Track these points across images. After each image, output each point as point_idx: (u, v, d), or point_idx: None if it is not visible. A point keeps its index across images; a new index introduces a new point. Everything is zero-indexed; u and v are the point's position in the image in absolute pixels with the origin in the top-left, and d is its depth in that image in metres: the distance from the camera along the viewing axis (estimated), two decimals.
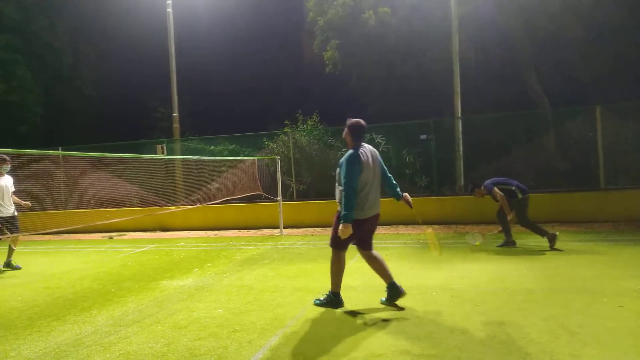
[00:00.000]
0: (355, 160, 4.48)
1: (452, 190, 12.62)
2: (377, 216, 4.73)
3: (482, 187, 7.60)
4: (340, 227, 4.39)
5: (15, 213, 7.78)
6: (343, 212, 4.40)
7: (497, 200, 7.49)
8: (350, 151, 4.58)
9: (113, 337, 4.27)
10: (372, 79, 18.16)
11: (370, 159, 4.61)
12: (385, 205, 12.42)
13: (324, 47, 18.75)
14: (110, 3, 22.11)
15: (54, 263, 8.70)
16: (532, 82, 15.73)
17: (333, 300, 4.83)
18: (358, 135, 4.69)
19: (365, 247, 4.83)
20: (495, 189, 7.39)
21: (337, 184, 4.70)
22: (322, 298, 4.93)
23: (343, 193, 4.41)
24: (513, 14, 14.95)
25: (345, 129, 4.75)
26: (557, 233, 7.32)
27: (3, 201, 7.58)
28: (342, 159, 4.56)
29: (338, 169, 4.65)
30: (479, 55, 16.84)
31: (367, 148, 4.70)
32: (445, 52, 13.78)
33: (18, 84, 19.33)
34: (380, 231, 10.59)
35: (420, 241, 8.94)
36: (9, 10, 19.14)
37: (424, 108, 16.03)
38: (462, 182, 12.41)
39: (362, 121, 4.73)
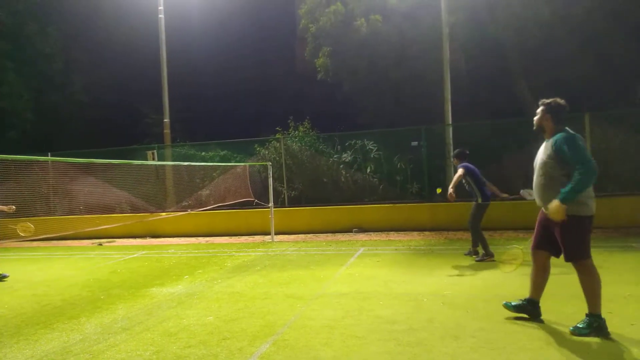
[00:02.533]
0: (579, 139, 3.80)
1: (443, 196, 12.67)
2: None
3: (458, 164, 7.57)
4: (556, 203, 3.71)
5: None
6: (571, 190, 3.66)
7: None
8: (564, 133, 3.87)
9: (102, 345, 4.22)
10: (364, 86, 18.23)
11: None
12: (376, 212, 12.39)
13: (316, 54, 18.81)
14: (102, 9, 22.03)
15: (42, 270, 8.59)
16: (523, 90, 15.88)
17: (594, 324, 3.87)
18: (560, 119, 3.96)
19: (551, 250, 4.13)
20: (461, 170, 7.34)
21: (539, 179, 4.00)
22: (581, 325, 3.94)
23: (582, 170, 3.63)
24: (503, 23, 15.11)
25: (543, 112, 4.03)
26: (478, 258, 7.31)
27: None
28: (557, 139, 3.83)
29: (547, 155, 3.93)
30: (470, 63, 16.98)
31: None
32: (437, 60, 13.88)
33: (8, 90, 19.16)
34: (372, 237, 10.59)
35: (412, 247, 8.95)
36: (0, 16, 19.01)
37: (417, 114, 16.12)
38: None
39: (563, 101, 4.01)
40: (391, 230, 11.21)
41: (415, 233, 10.84)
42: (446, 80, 13.07)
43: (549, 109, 3.99)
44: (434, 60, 14.91)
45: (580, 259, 3.91)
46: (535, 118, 4.10)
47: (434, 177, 12.63)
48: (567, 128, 3.94)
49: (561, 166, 3.83)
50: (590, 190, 3.85)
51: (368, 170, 13.12)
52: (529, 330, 4.07)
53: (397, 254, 8.29)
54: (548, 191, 3.92)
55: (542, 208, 4.14)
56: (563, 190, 3.72)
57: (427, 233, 10.69)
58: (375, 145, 13.27)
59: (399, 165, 12.93)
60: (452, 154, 7.73)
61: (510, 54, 16.00)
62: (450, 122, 12.82)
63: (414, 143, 12.67)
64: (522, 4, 14.63)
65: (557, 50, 15.17)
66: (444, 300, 5.10)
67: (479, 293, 5.40)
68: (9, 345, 4.36)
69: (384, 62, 17.36)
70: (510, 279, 5.97)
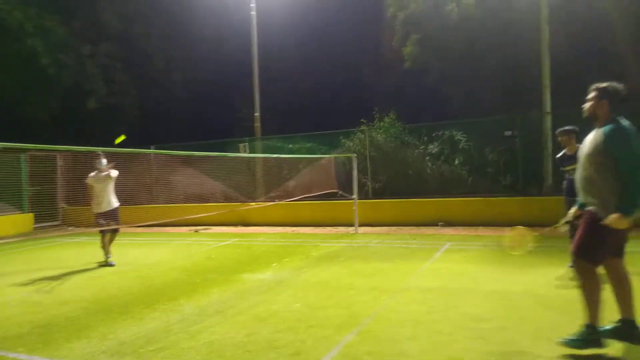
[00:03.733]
0: (633, 132, 3.36)
1: (539, 190, 11.90)
2: None
3: (574, 145, 6.53)
4: (616, 216, 3.25)
5: (115, 205, 8.18)
6: (630, 203, 3.26)
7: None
8: (617, 124, 3.38)
9: (198, 326, 4.53)
10: (455, 74, 17.59)
11: None
12: (463, 205, 11.91)
13: (404, 42, 18.45)
14: (196, 9, 23.31)
15: (146, 254, 9.37)
16: (635, 76, 14.39)
17: (588, 336, 3.49)
18: (616, 107, 3.49)
19: (619, 254, 3.54)
20: None
21: (585, 172, 3.51)
22: (572, 337, 3.55)
23: (633, 175, 3.24)
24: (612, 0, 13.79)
25: (597, 98, 3.50)
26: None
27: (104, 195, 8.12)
28: (608, 132, 3.36)
29: (595, 147, 3.43)
30: (571, 47, 15.69)
31: None
32: (535, 44, 12.99)
33: (118, 89, 21.10)
34: (459, 232, 10.26)
35: (502, 244, 8.53)
36: (112, 20, 20.88)
37: (510, 103, 15.27)
38: (551, 182, 11.66)
39: (620, 85, 3.52)
40: (480, 225, 10.77)
41: (506, 229, 10.29)
42: (545, 66, 12.19)
43: (605, 94, 3.48)
44: (531, 44, 13.97)
45: (580, 257, 3.50)
46: (588, 105, 3.57)
47: (529, 170, 11.89)
48: (618, 118, 3.44)
49: (611, 161, 3.35)
50: None
51: (456, 162, 12.68)
52: None
53: (486, 250, 7.96)
54: (594, 187, 3.46)
55: (583, 207, 3.60)
56: (621, 203, 3.27)
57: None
58: (464, 135, 12.78)
59: (490, 157, 12.34)
60: (565, 128, 6.79)
61: (618, 34, 14.55)
62: (549, 110, 11.96)
63: (508, 133, 12.00)
64: None
65: None
66: (538, 300, 4.83)
67: (577, 294, 5.02)
68: (119, 322, 4.83)
69: (476, 48, 16.59)
70: None
